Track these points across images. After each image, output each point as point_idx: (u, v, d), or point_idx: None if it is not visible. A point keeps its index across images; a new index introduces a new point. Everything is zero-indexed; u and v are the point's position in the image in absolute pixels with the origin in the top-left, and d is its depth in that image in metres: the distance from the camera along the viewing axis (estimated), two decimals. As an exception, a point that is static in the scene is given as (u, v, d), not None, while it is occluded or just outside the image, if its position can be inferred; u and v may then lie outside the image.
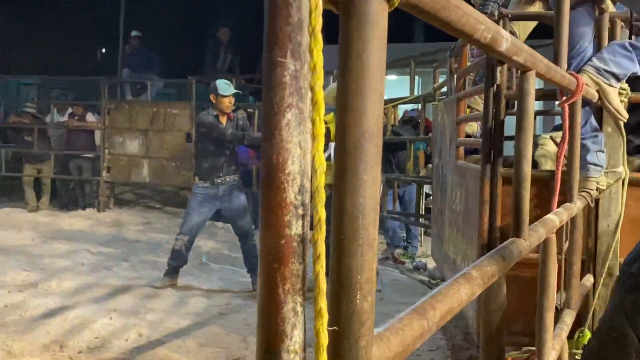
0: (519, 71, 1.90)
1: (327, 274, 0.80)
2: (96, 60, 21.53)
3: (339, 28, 0.82)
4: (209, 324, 5.57)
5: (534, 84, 1.79)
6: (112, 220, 10.75)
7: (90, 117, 11.69)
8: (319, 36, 0.75)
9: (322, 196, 0.76)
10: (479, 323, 3.11)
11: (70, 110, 11.80)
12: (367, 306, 0.82)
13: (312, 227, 0.77)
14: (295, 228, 0.77)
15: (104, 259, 8.02)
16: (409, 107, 9.68)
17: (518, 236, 1.77)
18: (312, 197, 0.77)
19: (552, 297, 2.27)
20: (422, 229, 8.89)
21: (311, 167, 0.77)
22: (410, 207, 8.88)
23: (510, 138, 4.08)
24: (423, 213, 8.66)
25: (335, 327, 0.80)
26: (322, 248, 0.76)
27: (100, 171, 11.41)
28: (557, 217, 2.28)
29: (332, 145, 6.65)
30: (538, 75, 1.84)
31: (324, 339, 0.77)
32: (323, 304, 0.77)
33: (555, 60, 2.29)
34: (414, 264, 8.19)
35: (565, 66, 2.41)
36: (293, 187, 0.76)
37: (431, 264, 7.70)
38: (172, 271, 6.79)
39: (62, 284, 6.70)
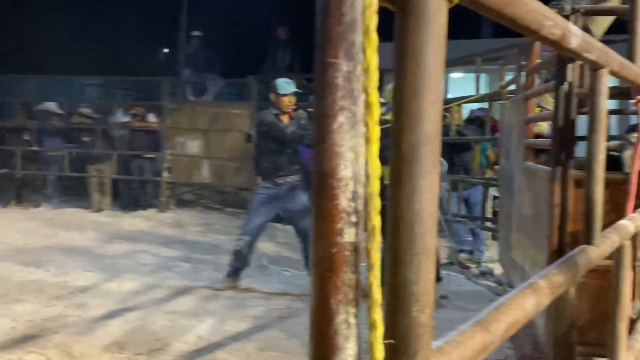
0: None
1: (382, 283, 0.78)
2: (158, 61, 21.91)
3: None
4: (268, 327, 5.60)
5: (606, 83, 1.73)
6: (173, 221, 10.93)
7: (152, 117, 11.89)
8: (373, 35, 0.73)
9: (376, 203, 0.74)
10: (548, 333, 3.03)
11: (133, 110, 12.03)
12: (425, 318, 0.79)
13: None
14: (348, 236, 0.75)
15: (165, 259, 8.15)
16: (475, 105, 9.54)
17: (589, 243, 1.71)
18: (365, 203, 0.75)
19: (626, 307, 2.19)
20: (489, 232, 8.74)
21: (364, 173, 0.75)
22: (476, 210, 8.74)
23: (582, 138, 3.98)
24: (489, 216, 8.51)
25: (392, 340, 0.78)
26: (376, 257, 0.75)
27: (161, 171, 11.60)
28: (632, 222, 2.20)
29: None
30: (611, 72, 1.77)
31: (379, 352, 0.75)
32: (377, 315, 0.75)
33: (630, 56, 2.21)
34: (480, 269, 8.06)
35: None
36: (345, 193, 0.74)
37: (498, 269, 7.57)
38: (234, 272, 6.83)
39: (123, 284, 6.84)
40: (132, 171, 11.87)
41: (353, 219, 0.75)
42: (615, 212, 3.10)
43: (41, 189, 12.35)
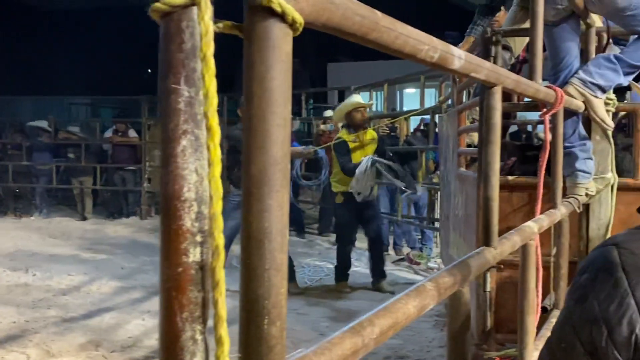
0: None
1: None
2: (142, 82, 21.74)
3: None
4: (234, 322, 5.48)
5: (499, 99, 1.69)
6: (153, 227, 10.78)
7: (132, 133, 11.79)
8: (211, 62, 0.68)
9: (219, 223, 0.70)
10: (476, 324, 3.01)
11: (114, 127, 11.92)
12: (276, 331, 0.74)
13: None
14: (193, 255, 0.70)
15: (143, 263, 8.02)
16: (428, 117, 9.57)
17: (487, 245, 1.68)
18: (210, 223, 0.70)
19: (533, 301, 2.17)
20: (436, 232, 8.76)
21: (208, 194, 0.70)
22: (424, 212, 8.76)
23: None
24: (436, 217, 8.53)
25: (239, 355, 0.73)
26: (220, 275, 0.70)
27: (142, 182, 11.50)
28: (536, 224, 2.17)
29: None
30: (506, 89, 1.75)
31: (225, 367, 0.70)
32: (223, 331, 0.70)
33: (530, 74, 2.19)
34: (428, 264, 8.07)
35: (539, 80, 2.30)
36: (190, 214, 0.69)
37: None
38: None
39: (102, 287, 6.72)
40: (115, 182, 11.74)
41: (198, 238, 0.70)
42: (532, 213, 3.09)
43: (33, 200, 12.16)
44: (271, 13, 0.71)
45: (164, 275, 0.70)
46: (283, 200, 0.74)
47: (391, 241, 8.93)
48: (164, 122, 0.70)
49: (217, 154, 0.69)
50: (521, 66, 4.48)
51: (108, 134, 12.17)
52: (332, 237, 9.21)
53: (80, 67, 18.76)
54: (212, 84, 0.68)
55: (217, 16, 0.73)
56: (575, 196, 3.17)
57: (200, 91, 0.69)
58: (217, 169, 0.69)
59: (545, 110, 2.41)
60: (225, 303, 0.71)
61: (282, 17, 0.72)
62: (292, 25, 0.74)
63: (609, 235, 3.43)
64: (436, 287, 1.26)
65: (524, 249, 2.12)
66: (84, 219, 11.48)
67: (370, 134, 7.07)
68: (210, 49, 0.68)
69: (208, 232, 0.70)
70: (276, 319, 0.74)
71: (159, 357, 0.71)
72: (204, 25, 0.67)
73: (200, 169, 0.70)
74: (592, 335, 1.10)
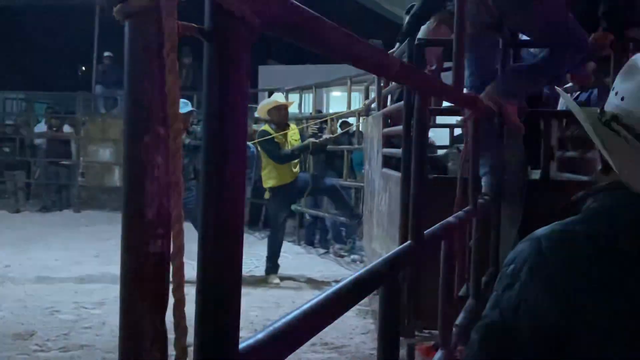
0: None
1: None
2: (77, 77, 21.04)
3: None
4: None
5: (430, 104, 1.73)
6: (86, 220, 10.48)
7: (67, 128, 11.43)
8: (175, 62, 0.67)
9: (180, 215, 0.69)
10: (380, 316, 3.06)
11: (49, 122, 11.53)
12: (231, 319, 0.74)
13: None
14: (155, 247, 0.69)
15: (76, 254, 7.80)
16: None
17: (414, 239, 1.71)
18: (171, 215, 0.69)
19: (452, 290, 2.23)
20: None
21: (171, 186, 0.69)
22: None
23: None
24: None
25: (198, 341, 0.72)
26: (180, 263, 0.69)
27: (76, 176, 11.18)
28: (456, 219, 2.24)
29: None
30: (432, 94, 1.79)
31: (183, 353, 0.69)
32: (183, 320, 0.69)
33: (455, 82, 2.24)
34: (351, 257, 8.16)
35: (463, 87, 2.37)
36: (152, 207, 0.68)
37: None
38: None
39: (36, 277, 6.50)
40: (49, 176, 11.37)
41: (160, 230, 0.69)
42: (450, 209, 3.17)
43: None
44: (233, 16, 0.71)
45: (125, 266, 0.69)
46: (241, 193, 0.74)
47: (317, 237, 9.02)
48: (128, 118, 0.69)
49: (179, 149, 0.68)
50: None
51: (41, 128, 11.76)
52: (259, 233, 9.20)
53: (14, 62, 18.02)
54: (175, 83, 0.67)
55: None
56: (487, 194, 3.27)
57: (164, 88, 0.68)
58: (179, 164, 0.68)
59: (466, 115, 2.48)
60: (183, 293, 0.70)
61: (242, 20, 0.72)
62: (252, 29, 0.74)
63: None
64: (372, 278, 1.28)
65: (446, 242, 2.17)
66: (17, 211, 11.05)
67: (296, 134, 7.08)
68: (174, 49, 0.67)
69: (170, 223, 0.69)
70: (232, 307, 0.74)
71: (120, 345, 0.69)
72: (169, 27, 0.66)
73: (162, 163, 0.69)
74: (516, 319, 1.16)
